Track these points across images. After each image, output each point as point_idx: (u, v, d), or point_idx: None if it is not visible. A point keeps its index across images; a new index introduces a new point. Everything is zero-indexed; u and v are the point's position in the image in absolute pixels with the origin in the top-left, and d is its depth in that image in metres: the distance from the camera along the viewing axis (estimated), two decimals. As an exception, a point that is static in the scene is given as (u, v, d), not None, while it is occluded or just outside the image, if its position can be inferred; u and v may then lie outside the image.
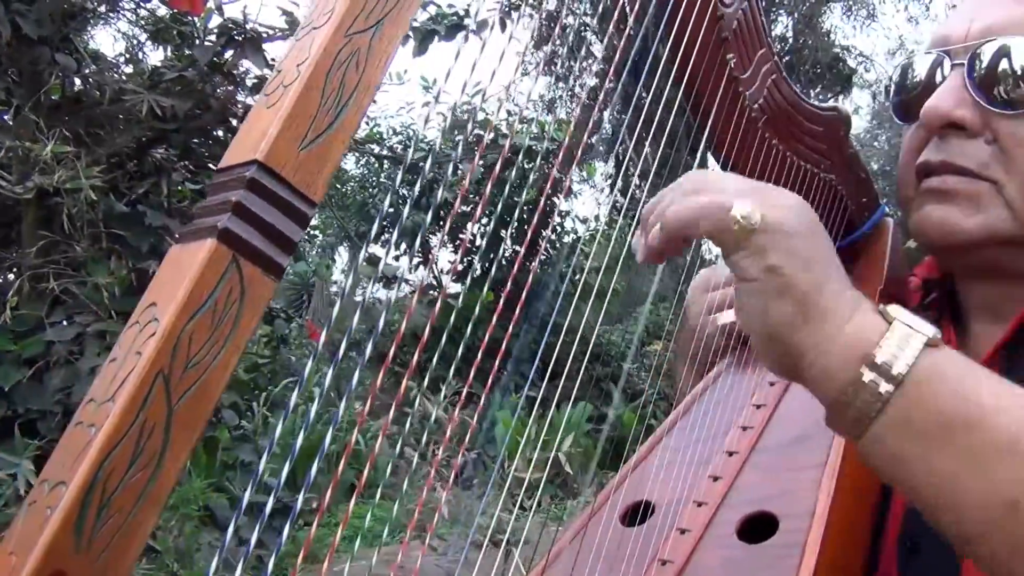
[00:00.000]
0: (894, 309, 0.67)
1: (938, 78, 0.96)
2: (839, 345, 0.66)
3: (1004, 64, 0.90)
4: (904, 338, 0.65)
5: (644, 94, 0.90)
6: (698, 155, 0.94)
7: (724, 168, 0.99)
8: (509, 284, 0.99)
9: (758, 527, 0.91)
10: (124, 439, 0.45)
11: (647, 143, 0.91)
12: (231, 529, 0.55)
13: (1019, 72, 0.90)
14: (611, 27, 0.82)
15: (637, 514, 0.99)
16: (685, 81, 0.88)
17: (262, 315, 0.48)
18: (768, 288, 0.67)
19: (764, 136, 1.01)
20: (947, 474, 0.63)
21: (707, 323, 1.13)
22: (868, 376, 0.65)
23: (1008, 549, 0.62)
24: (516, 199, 0.95)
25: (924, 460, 0.64)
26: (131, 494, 0.45)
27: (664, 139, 0.87)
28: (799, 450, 0.98)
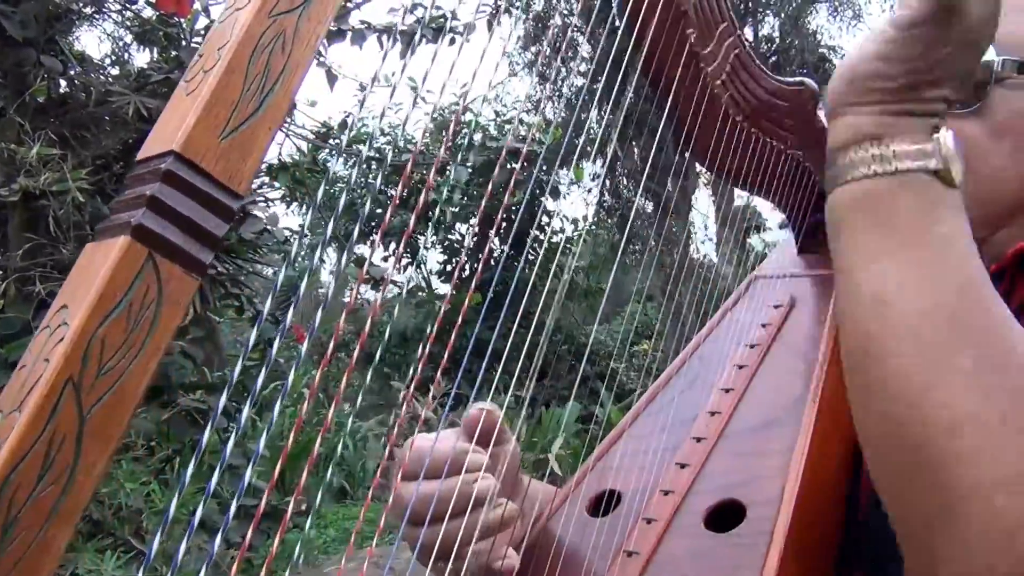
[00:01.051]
0: (946, 135, 0.69)
1: None
2: (883, 120, 0.69)
3: None
4: (925, 152, 0.68)
5: (629, 93, 0.88)
6: (658, 133, 0.91)
7: (685, 146, 0.97)
8: (493, 283, 0.96)
9: (726, 515, 0.89)
10: (31, 452, 0.41)
11: (629, 139, 0.89)
12: (219, 537, 0.53)
13: None
14: (590, 24, 0.80)
15: (602, 504, 0.97)
16: (643, 59, 0.86)
17: (184, 315, 0.45)
18: (888, 45, 0.69)
19: (728, 113, 0.99)
20: (863, 255, 0.68)
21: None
22: (874, 151, 0.68)
23: (862, 333, 0.67)
24: (501, 200, 0.93)
25: (855, 236, 0.68)
26: (40, 511, 0.42)
27: (645, 136, 0.85)
28: (768, 435, 0.96)
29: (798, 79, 1.06)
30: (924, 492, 0.63)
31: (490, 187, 0.72)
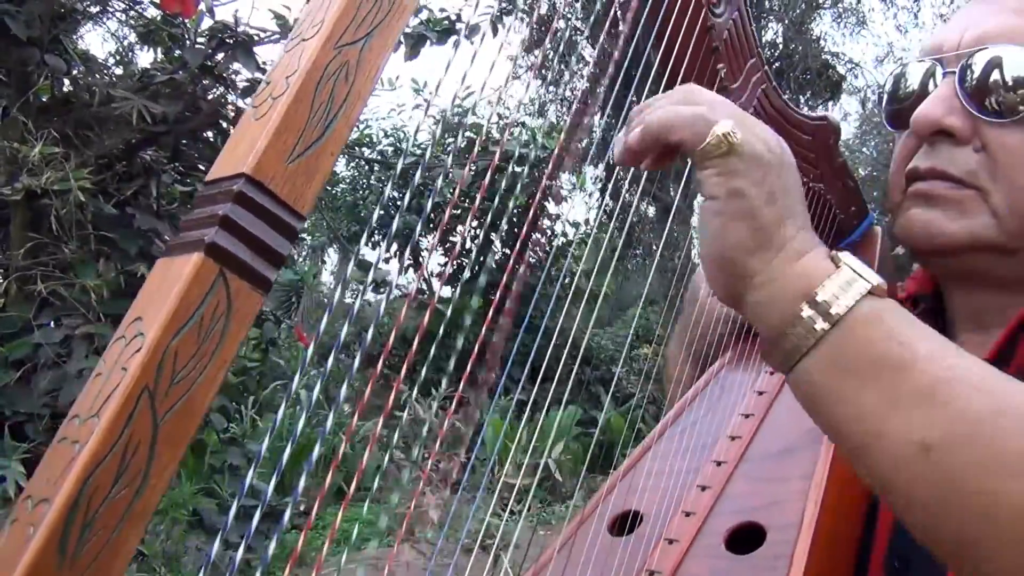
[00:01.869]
0: (846, 256, 0.69)
1: (931, 87, 0.96)
2: (785, 278, 0.68)
3: (995, 74, 0.90)
4: (848, 282, 0.67)
5: (635, 99, 0.90)
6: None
7: None
8: (490, 286, 0.99)
9: (746, 538, 0.90)
10: (109, 456, 0.44)
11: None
12: (219, 537, 0.55)
13: (1010, 82, 0.90)
14: (603, 36, 0.82)
15: (626, 523, 0.99)
16: (653, 77, 0.88)
17: (249, 329, 0.47)
18: (729, 210, 0.69)
19: None
20: (867, 413, 0.64)
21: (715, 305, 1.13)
22: (807, 312, 0.66)
23: (919, 491, 0.62)
24: (506, 204, 0.95)
25: (847, 399, 0.65)
26: (115, 511, 0.45)
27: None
28: (787, 461, 0.98)
29: (821, 114, 1.08)
30: None
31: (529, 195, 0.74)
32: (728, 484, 0.98)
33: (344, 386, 0.52)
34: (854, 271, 0.67)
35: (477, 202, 0.62)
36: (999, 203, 0.91)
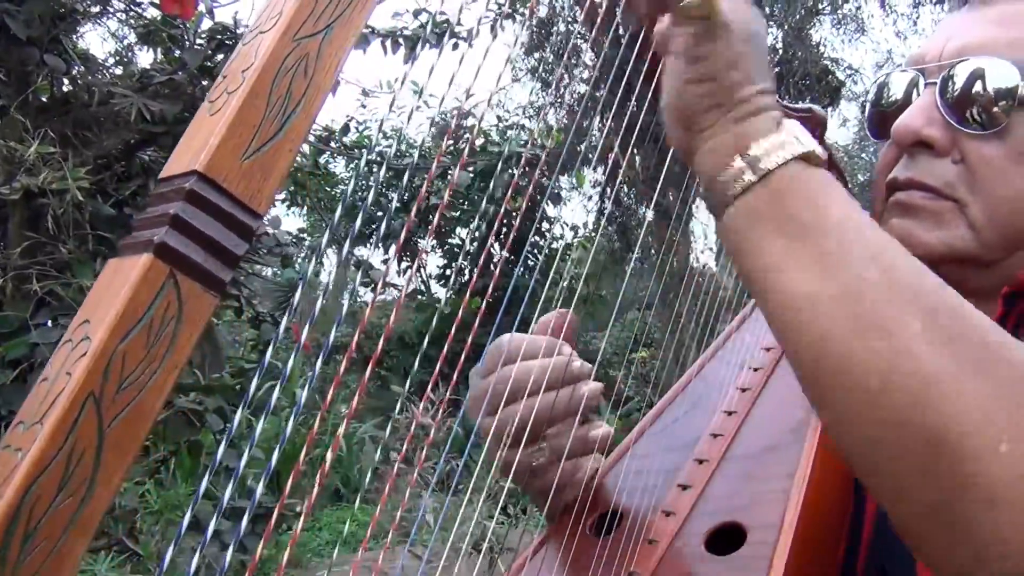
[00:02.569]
0: (791, 123, 0.72)
1: (914, 96, 0.95)
2: (730, 133, 0.72)
3: (976, 85, 0.90)
4: (783, 143, 0.70)
5: (633, 102, 0.89)
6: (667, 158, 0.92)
7: None
8: (491, 288, 0.98)
9: (726, 538, 0.89)
10: (52, 464, 0.42)
11: (631, 147, 0.89)
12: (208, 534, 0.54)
13: (991, 94, 0.89)
14: (596, 32, 0.81)
15: (604, 523, 0.98)
16: (656, 84, 0.87)
17: (202, 331, 0.46)
18: (692, 71, 0.73)
19: None
20: (771, 264, 0.67)
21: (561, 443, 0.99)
22: (738, 163, 0.70)
23: (802, 339, 0.66)
24: (504, 205, 0.94)
25: (757, 247, 0.69)
26: (59, 522, 0.43)
27: (646, 144, 0.85)
28: (769, 459, 0.96)
29: (806, 106, 1.07)
30: (926, 471, 0.59)
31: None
32: (710, 483, 0.97)
33: (306, 388, 0.50)
34: (793, 135, 0.70)
35: (445, 199, 0.60)
36: (977, 215, 0.91)
